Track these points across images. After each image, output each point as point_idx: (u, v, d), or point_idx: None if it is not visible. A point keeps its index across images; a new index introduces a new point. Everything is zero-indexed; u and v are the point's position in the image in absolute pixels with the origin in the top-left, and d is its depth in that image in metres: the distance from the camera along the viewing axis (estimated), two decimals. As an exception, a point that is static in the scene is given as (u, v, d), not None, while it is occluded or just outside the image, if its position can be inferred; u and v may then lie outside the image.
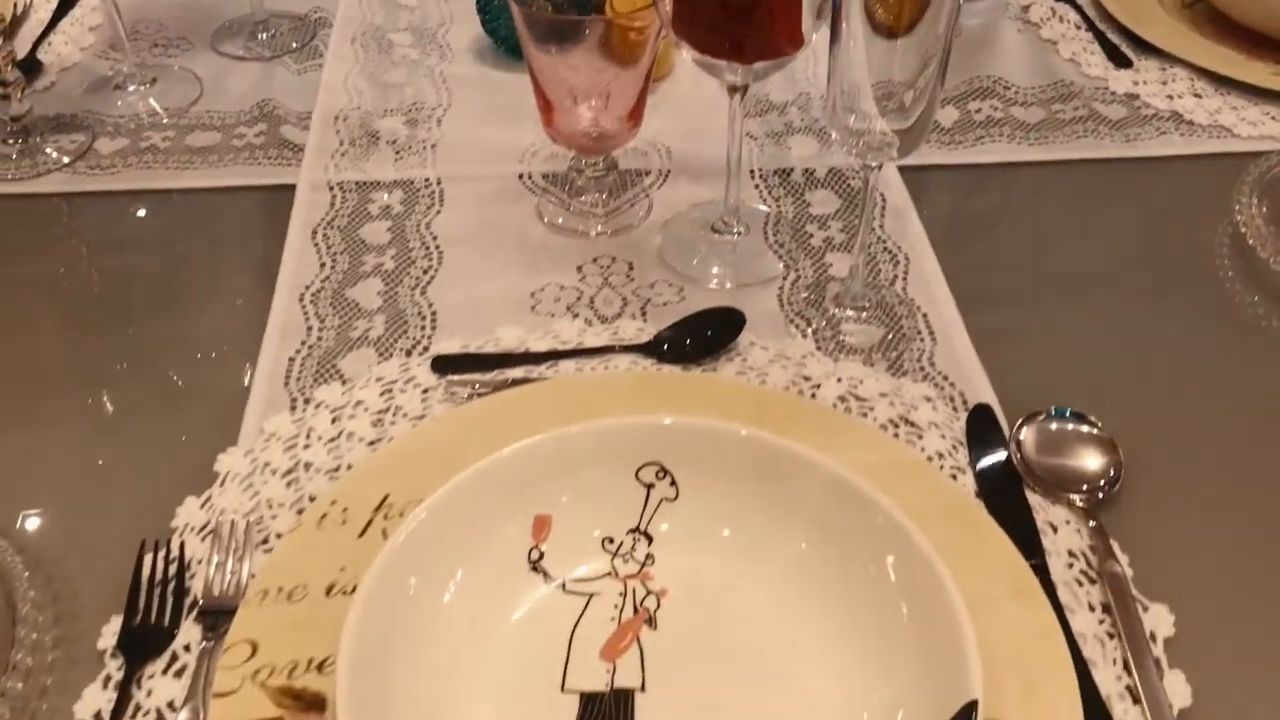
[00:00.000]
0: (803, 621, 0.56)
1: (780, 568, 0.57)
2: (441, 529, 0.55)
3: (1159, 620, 0.57)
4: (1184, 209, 0.86)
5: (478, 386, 0.70)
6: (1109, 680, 0.55)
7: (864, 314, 0.75)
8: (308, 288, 0.78)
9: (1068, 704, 0.52)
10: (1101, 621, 0.57)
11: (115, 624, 0.57)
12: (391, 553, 0.53)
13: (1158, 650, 0.56)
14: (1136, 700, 0.54)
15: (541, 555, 0.58)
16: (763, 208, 0.85)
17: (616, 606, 0.57)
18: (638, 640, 0.56)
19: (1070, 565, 0.60)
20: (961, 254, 0.81)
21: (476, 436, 0.63)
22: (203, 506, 0.63)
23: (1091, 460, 0.64)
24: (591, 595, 0.57)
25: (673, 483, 0.60)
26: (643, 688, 0.54)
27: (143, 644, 0.56)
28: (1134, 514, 0.62)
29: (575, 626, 0.56)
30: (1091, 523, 0.61)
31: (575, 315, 0.76)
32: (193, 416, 0.70)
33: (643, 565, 0.59)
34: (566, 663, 0.55)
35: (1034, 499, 0.63)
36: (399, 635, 0.52)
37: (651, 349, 0.72)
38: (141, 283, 0.81)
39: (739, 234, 0.81)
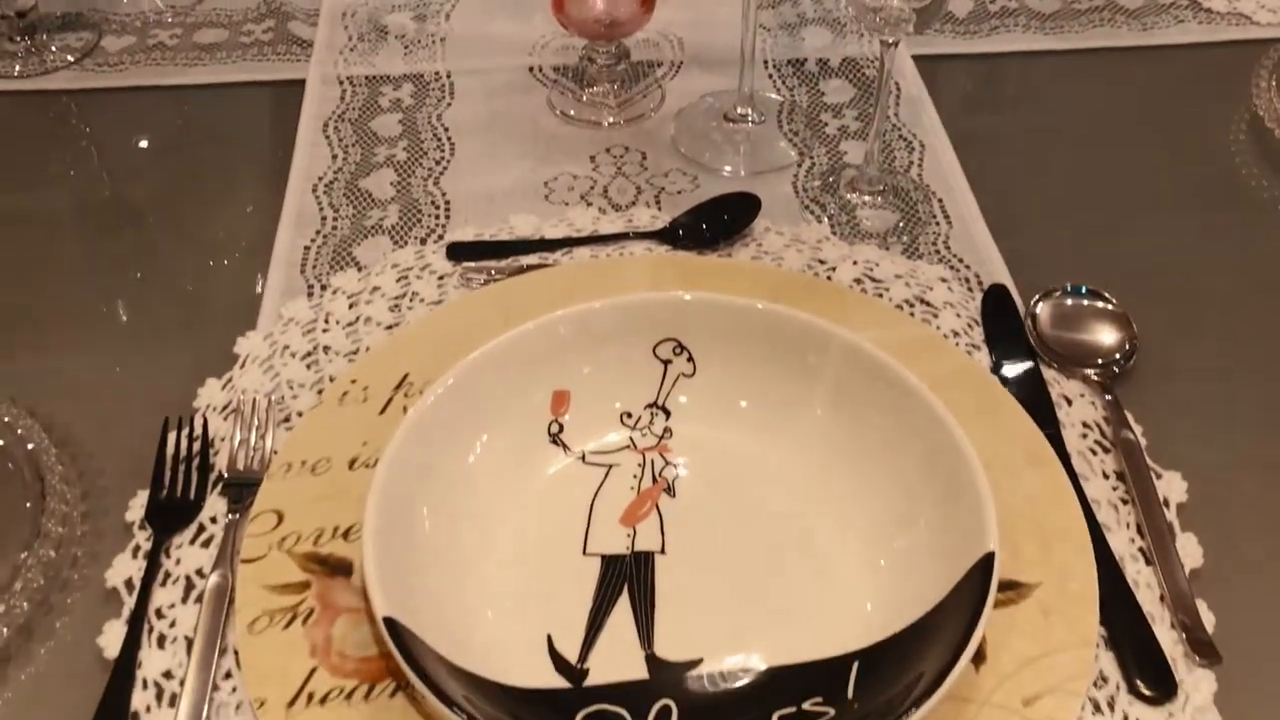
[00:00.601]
0: (820, 483, 0.57)
1: (797, 434, 0.58)
2: (467, 396, 0.56)
3: (1172, 487, 0.58)
4: (1201, 96, 0.86)
5: (493, 272, 0.70)
6: (1122, 543, 0.55)
7: (879, 199, 0.75)
8: (320, 179, 0.78)
9: (1082, 564, 0.53)
10: (1115, 489, 0.58)
11: (142, 498, 0.58)
12: (420, 413, 0.54)
13: (1170, 515, 0.57)
14: (1149, 561, 0.55)
15: (561, 428, 0.59)
16: (776, 97, 0.84)
17: (635, 477, 0.58)
18: (657, 507, 0.56)
19: (1084, 435, 0.60)
20: (977, 142, 0.80)
21: (494, 318, 0.64)
22: (224, 387, 0.64)
23: (1106, 335, 0.64)
24: (611, 466, 0.58)
25: (690, 358, 0.60)
26: (662, 550, 0.55)
27: (170, 516, 0.57)
28: (1149, 388, 0.63)
29: (595, 495, 0.57)
30: (1107, 396, 0.62)
31: (589, 204, 0.76)
32: (210, 304, 0.70)
33: (660, 438, 0.59)
34: (588, 528, 0.55)
35: (1049, 374, 0.63)
36: (424, 495, 0.53)
37: (667, 235, 0.72)
38: (153, 177, 0.80)
39: (753, 122, 0.81)
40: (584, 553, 0.55)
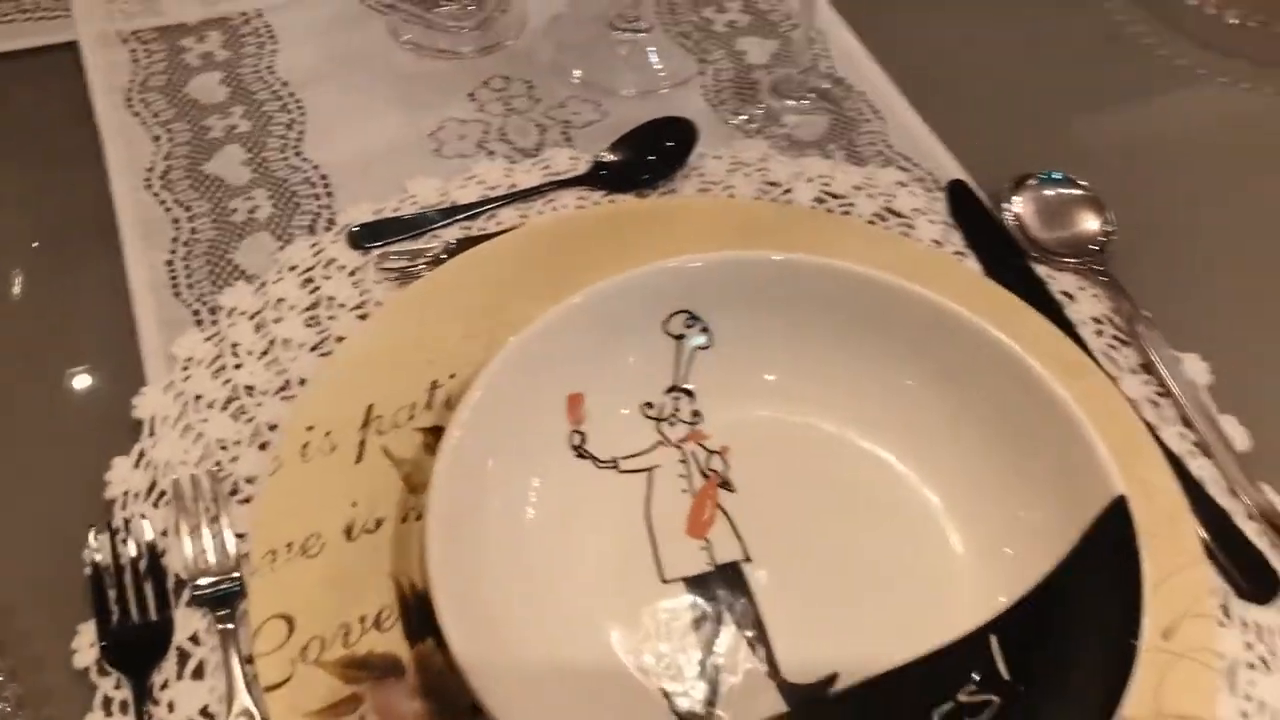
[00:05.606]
0: (882, 440, 0.52)
1: (840, 397, 0.52)
2: (486, 438, 0.46)
3: (1195, 369, 0.57)
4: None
5: (414, 257, 0.59)
6: (1173, 439, 0.54)
7: (804, 104, 0.69)
8: (149, 170, 0.63)
9: (1161, 478, 0.51)
10: (1147, 383, 0.57)
11: (88, 634, 0.46)
12: (446, 476, 0.44)
13: (1204, 399, 0.56)
14: (1207, 454, 0.54)
15: (584, 438, 0.51)
16: (652, -5, 0.75)
17: (683, 476, 0.51)
18: (720, 508, 0.50)
19: (1099, 333, 0.59)
20: (875, 24, 0.75)
21: (446, 317, 0.54)
22: (138, 465, 0.51)
23: (1088, 221, 0.62)
24: (651, 469, 0.51)
25: (704, 329, 0.53)
26: (747, 557, 0.48)
27: (134, 649, 0.45)
28: (1133, 266, 0.61)
29: (648, 509, 0.50)
30: (1104, 277, 0.60)
31: (491, 153, 0.65)
32: (79, 360, 0.56)
33: (693, 425, 0.52)
34: (655, 551, 0.48)
35: (1041, 270, 0.61)
36: (484, 562, 0.44)
37: (596, 178, 0.63)
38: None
39: (643, 30, 0.72)
40: (663, 580, 0.48)
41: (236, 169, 0.63)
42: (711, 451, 0.52)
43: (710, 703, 0.44)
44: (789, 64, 0.69)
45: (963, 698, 0.44)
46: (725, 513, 0.50)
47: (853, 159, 0.66)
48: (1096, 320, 0.59)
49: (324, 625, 0.45)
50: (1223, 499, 0.52)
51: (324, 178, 0.63)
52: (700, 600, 0.47)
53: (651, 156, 0.64)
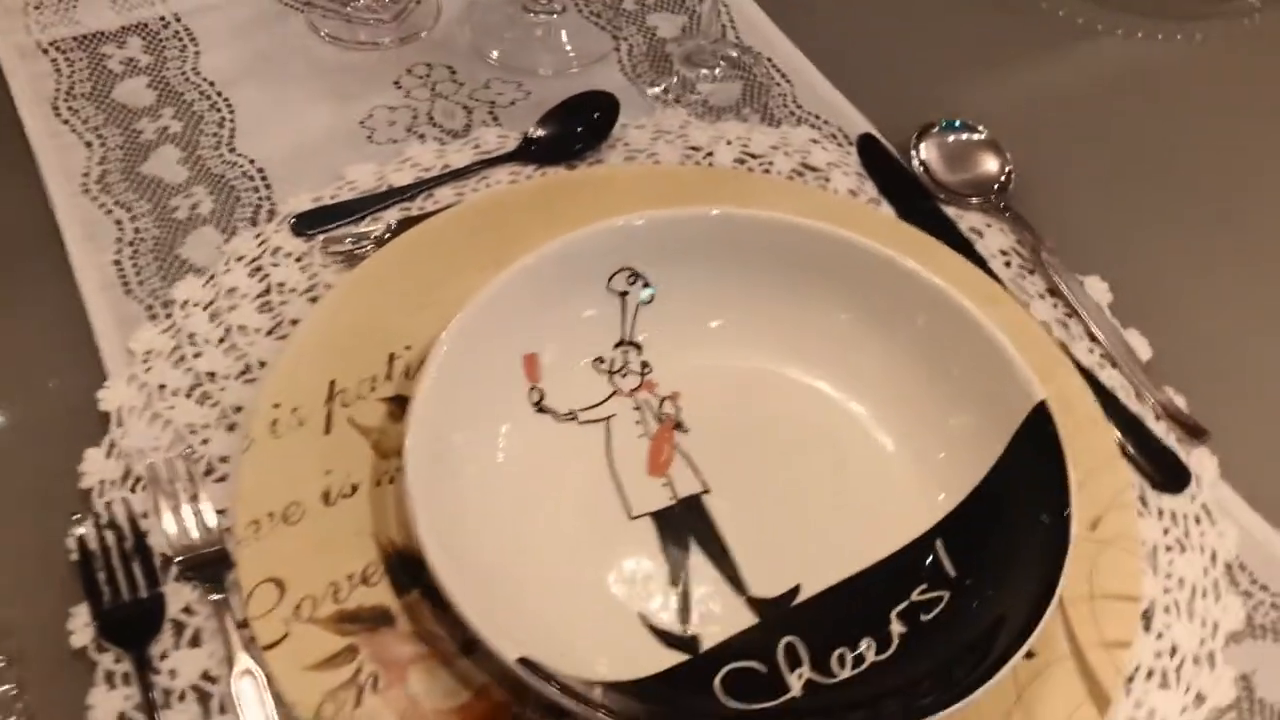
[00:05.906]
0: (820, 372, 0.55)
1: (780, 338, 0.56)
2: (451, 401, 0.49)
3: (1096, 290, 0.62)
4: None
5: (357, 239, 0.61)
6: (1083, 354, 0.59)
7: (717, 72, 0.72)
8: (85, 175, 0.64)
9: (1077, 388, 0.55)
10: (1055, 306, 0.61)
11: (83, 616, 0.47)
12: (417, 440, 0.47)
13: (1108, 316, 0.61)
14: (1115, 365, 0.59)
15: (542, 395, 0.54)
16: (562, -22, 0.78)
17: (639, 423, 0.54)
18: (676, 448, 0.53)
19: (1008, 264, 0.63)
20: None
21: (396, 293, 0.57)
22: (110, 455, 0.52)
23: (990, 164, 0.67)
24: (609, 418, 0.54)
25: (645, 284, 0.56)
26: (706, 489, 0.52)
27: (129, 626, 0.47)
28: (1033, 201, 0.66)
29: (609, 455, 0.53)
30: (1007, 213, 0.65)
31: (421, 137, 0.68)
32: (37, 363, 0.56)
33: (643, 375, 0.56)
34: (621, 491, 0.52)
35: (949, 210, 0.65)
36: (464, 514, 0.47)
37: (527, 154, 0.66)
38: None
39: (556, 12, 0.74)
40: (630, 517, 0.51)
41: (173, 168, 0.65)
42: (663, 398, 0.55)
43: (684, 622, 0.48)
44: (699, 35, 0.72)
45: (916, 596, 0.48)
46: (682, 451, 0.53)
47: (767, 120, 0.70)
48: (1004, 253, 0.64)
49: (314, 585, 0.47)
50: (1132, 404, 0.57)
51: (260, 171, 0.65)
52: (666, 531, 0.50)
53: (578, 129, 0.67)
